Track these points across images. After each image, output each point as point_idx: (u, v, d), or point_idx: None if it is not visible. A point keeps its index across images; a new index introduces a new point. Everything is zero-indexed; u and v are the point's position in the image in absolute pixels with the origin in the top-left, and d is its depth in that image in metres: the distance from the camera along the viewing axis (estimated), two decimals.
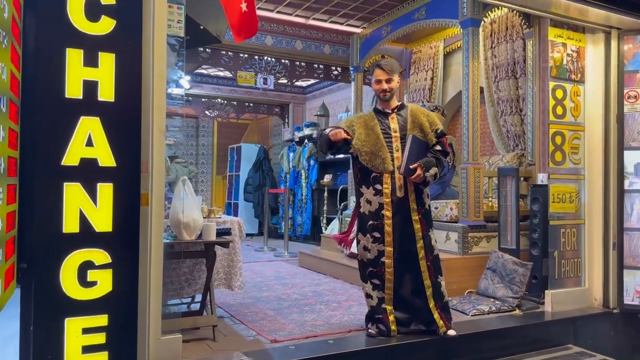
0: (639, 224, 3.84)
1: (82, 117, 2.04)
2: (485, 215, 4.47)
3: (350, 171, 6.35)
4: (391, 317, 3.09)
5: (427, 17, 5.17)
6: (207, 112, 9.33)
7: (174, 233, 2.98)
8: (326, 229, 7.26)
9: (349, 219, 5.78)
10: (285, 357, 2.83)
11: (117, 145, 2.11)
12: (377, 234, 3.10)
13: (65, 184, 2.00)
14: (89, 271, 2.04)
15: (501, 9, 4.74)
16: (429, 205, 3.21)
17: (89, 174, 2.05)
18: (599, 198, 3.97)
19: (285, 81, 7.51)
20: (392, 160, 3.09)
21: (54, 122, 2.01)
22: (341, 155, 7.67)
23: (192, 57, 5.87)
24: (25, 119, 1.95)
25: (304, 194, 8.65)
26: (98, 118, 2.07)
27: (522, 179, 4.51)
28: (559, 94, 3.89)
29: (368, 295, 3.16)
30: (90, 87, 2.06)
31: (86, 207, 2.04)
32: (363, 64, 6.34)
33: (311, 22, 6.25)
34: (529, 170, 4.72)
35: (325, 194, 7.78)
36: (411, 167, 2.98)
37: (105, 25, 2.10)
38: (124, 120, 2.15)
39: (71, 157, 2.01)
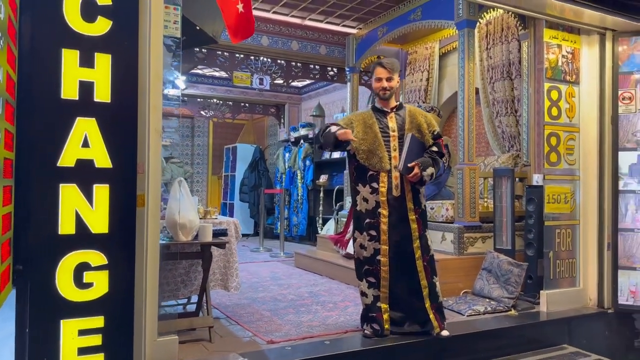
0: (634, 224, 3.86)
1: (78, 118, 2.04)
2: (480, 216, 4.49)
3: (346, 171, 6.36)
4: (385, 316, 3.09)
5: (423, 18, 5.18)
6: (202, 112, 9.31)
7: (170, 234, 2.98)
8: (322, 229, 7.26)
9: (345, 220, 5.78)
10: (282, 358, 2.84)
11: (113, 146, 2.11)
12: (373, 232, 3.11)
13: (61, 185, 2.00)
14: (85, 272, 2.04)
15: (497, 11, 4.76)
16: (425, 206, 3.22)
17: (85, 175, 2.05)
18: (593, 199, 3.99)
19: (281, 82, 7.52)
20: (390, 159, 3.10)
21: (49, 123, 2.00)
22: (337, 155, 7.78)
23: (187, 58, 5.86)
24: (21, 120, 1.95)
25: (299, 195, 8.65)
26: (94, 119, 2.07)
27: (517, 179, 4.53)
28: (554, 95, 3.91)
29: (363, 294, 3.17)
30: (86, 88, 2.06)
31: (82, 209, 2.04)
32: (359, 65, 6.35)
33: (307, 22, 6.26)
34: (524, 171, 4.73)
35: (321, 194, 7.78)
36: (409, 165, 2.99)
37: (102, 26, 2.09)
38: (120, 121, 2.15)
39: (67, 158, 2.01)
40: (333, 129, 3.10)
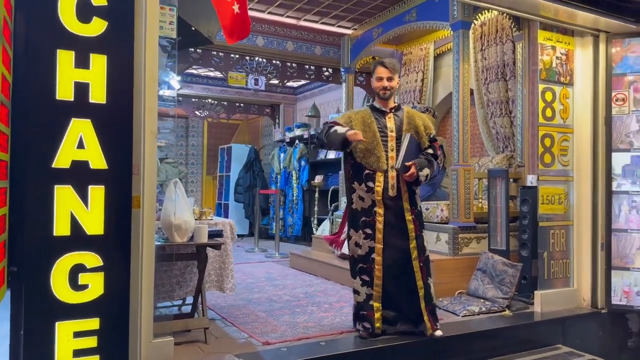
0: (627, 225, 3.89)
1: (73, 119, 2.03)
2: (475, 217, 4.51)
3: (342, 172, 6.36)
4: (377, 315, 3.10)
5: (418, 19, 5.19)
6: (197, 112, 9.28)
7: (165, 235, 2.97)
8: (317, 229, 7.27)
9: (340, 220, 5.79)
10: (278, 359, 2.84)
11: (108, 148, 2.10)
12: (368, 230, 3.11)
13: (56, 186, 1.99)
14: (80, 274, 2.03)
15: (491, 12, 4.77)
16: (421, 207, 3.24)
17: (80, 176, 2.04)
18: (587, 199, 4.02)
19: (276, 82, 7.51)
20: (387, 159, 3.11)
21: (44, 125, 1.99)
22: (332, 156, 7.79)
23: (182, 58, 5.84)
24: (16, 121, 1.94)
25: (294, 195, 8.65)
26: (89, 120, 2.06)
27: (511, 180, 4.55)
28: (548, 96, 3.93)
29: (356, 291, 3.17)
30: (81, 89, 2.05)
31: (77, 210, 2.03)
32: (354, 65, 6.36)
33: (302, 23, 6.26)
34: (519, 171, 4.75)
35: (316, 194, 7.79)
36: (407, 164, 3.00)
37: (97, 27, 2.08)
38: (116, 122, 2.15)
39: (62, 159, 2.00)
40: (340, 129, 3.06)
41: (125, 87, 2.18)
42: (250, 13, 3.15)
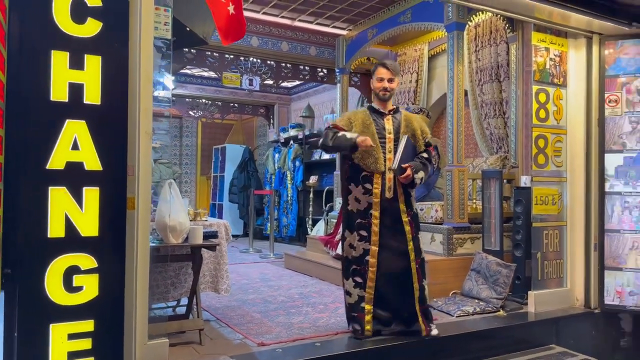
0: (619, 225, 3.92)
1: (67, 121, 2.02)
2: (469, 217, 4.52)
3: (337, 172, 6.37)
4: (367, 317, 3.10)
5: (413, 21, 5.21)
6: (191, 112, 9.25)
7: (160, 236, 2.96)
8: (312, 230, 7.27)
9: (335, 221, 5.79)
10: None
11: (103, 149, 2.09)
12: (364, 233, 3.12)
13: (50, 188, 1.98)
14: (74, 276, 2.02)
15: (485, 13, 4.80)
16: (417, 209, 3.25)
17: (74, 177, 2.03)
18: (580, 200, 4.04)
19: (271, 82, 7.50)
20: (385, 161, 3.12)
21: (39, 126, 1.99)
22: (327, 156, 7.79)
23: (177, 58, 5.83)
24: (10, 122, 1.93)
25: (289, 195, 8.65)
26: (84, 121, 2.06)
27: (505, 181, 4.57)
28: (542, 97, 3.95)
29: (347, 293, 3.17)
30: (76, 90, 2.04)
31: (72, 212, 2.02)
32: (349, 66, 6.37)
33: (297, 23, 6.25)
34: (512, 172, 4.78)
35: (311, 195, 7.78)
36: (403, 166, 3.01)
37: (92, 28, 2.08)
38: (110, 124, 2.14)
39: (56, 161, 2.00)
40: (348, 134, 3.06)
41: (120, 88, 2.18)
42: (245, 13, 3.14)
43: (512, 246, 4.17)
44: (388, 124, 3.18)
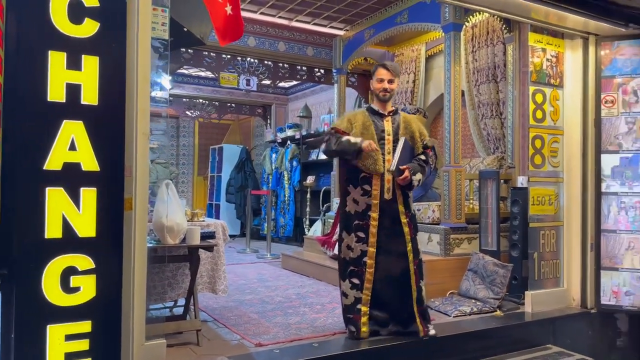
0: (616, 225, 3.93)
1: (64, 121, 2.01)
2: (466, 217, 4.53)
3: (334, 172, 6.37)
4: (363, 319, 3.10)
5: (410, 21, 5.22)
6: (188, 112, 9.24)
7: (157, 237, 2.96)
8: (309, 230, 7.27)
9: (332, 221, 5.78)
10: None
11: (100, 150, 2.09)
12: (361, 234, 3.12)
13: (47, 188, 1.97)
14: (72, 277, 2.02)
15: (482, 14, 4.81)
16: (414, 210, 3.26)
17: (72, 178, 2.03)
18: (577, 200, 4.06)
19: (268, 82, 7.50)
20: (384, 162, 3.12)
21: (36, 126, 1.98)
22: (324, 156, 7.78)
23: (174, 58, 5.81)
24: (7, 123, 1.92)
25: (286, 195, 8.64)
26: (81, 122, 2.05)
27: (502, 181, 4.58)
28: (539, 98, 3.96)
29: (344, 294, 3.17)
30: (73, 91, 2.03)
31: (69, 212, 2.02)
32: (346, 66, 6.37)
33: (294, 24, 6.26)
34: (509, 173, 4.79)
35: (308, 195, 7.78)
36: (401, 167, 3.02)
37: (89, 28, 2.07)
38: (108, 124, 2.13)
39: (54, 161, 1.99)
40: (352, 139, 3.06)
41: (117, 88, 2.17)
42: (242, 14, 3.14)
43: (509, 246, 4.18)
44: (387, 125, 3.19)
